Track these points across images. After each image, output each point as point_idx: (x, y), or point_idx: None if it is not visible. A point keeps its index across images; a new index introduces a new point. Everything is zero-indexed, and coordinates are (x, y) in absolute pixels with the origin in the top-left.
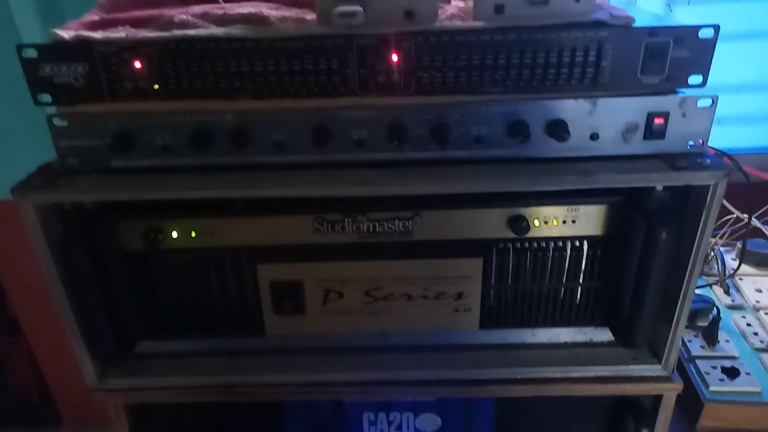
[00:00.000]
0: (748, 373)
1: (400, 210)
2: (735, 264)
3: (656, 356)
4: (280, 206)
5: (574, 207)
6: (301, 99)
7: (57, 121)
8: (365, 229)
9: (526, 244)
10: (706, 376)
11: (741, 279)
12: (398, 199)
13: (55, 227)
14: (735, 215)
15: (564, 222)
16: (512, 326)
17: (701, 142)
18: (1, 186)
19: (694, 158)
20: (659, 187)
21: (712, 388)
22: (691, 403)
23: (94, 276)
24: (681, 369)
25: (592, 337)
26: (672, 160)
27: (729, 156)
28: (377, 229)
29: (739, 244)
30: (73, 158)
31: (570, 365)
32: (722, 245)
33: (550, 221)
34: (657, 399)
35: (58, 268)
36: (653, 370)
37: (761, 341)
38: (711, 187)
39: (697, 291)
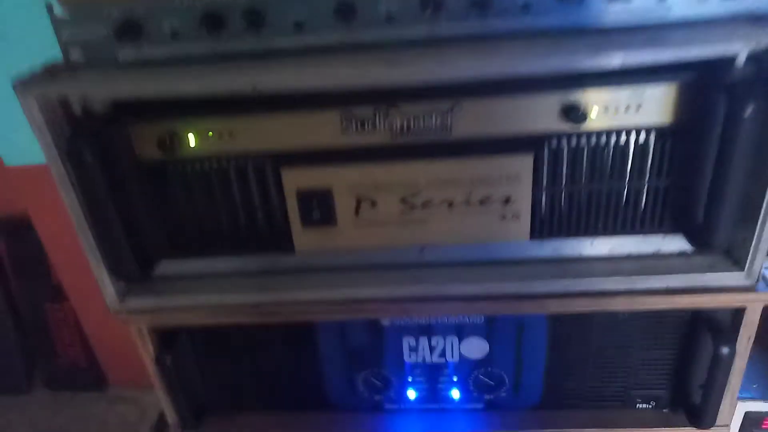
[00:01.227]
0: None
1: (437, 100)
2: None
3: (737, 263)
4: (303, 101)
5: (638, 88)
6: None
7: (57, 10)
8: (399, 127)
9: (583, 138)
10: None
11: None
12: (434, 89)
13: (63, 131)
14: None
15: (627, 109)
16: (567, 235)
17: None
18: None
19: None
20: (742, 56)
21: None
22: None
23: (109, 186)
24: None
25: (660, 247)
26: (758, 21)
27: None
28: (412, 126)
29: None
30: (77, 52)
31: (636, 275)
32: None
33: (611, 109)
34: (738, 313)
35: (69, 175)
36: (734, 278)
37: None
38: None
39: None
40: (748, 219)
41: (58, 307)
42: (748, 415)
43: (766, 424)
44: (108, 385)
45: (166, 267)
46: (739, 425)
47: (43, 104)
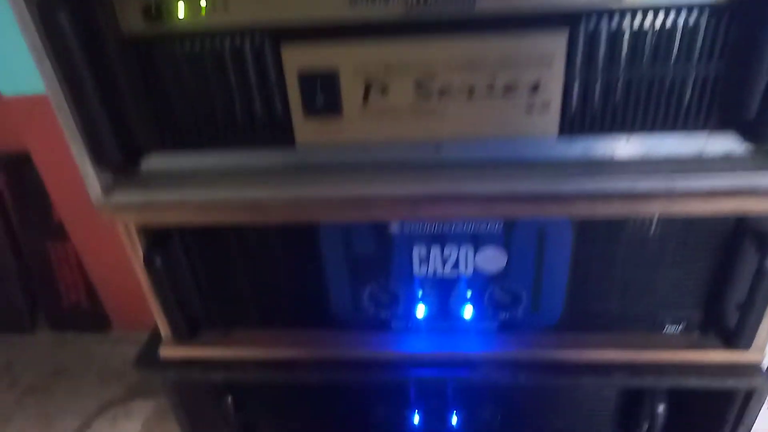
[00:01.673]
0: None
1: None
2: None
3: None
4: None
5: None
6: None
7: None
8: None
9: (627, 15)
10: None
11: None
12: None
13: None
14: None
15: None
16: (600, 131)
17: None
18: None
19: None
20: None
21: None
22: None
23: (89, 60)
24: None
25: (704, 147)
26: None
27: None
28: None
29: None
30: None
31: (676, 173)
32: None
33: None
34: None
35: (45, 47)
36: None
37: None
38: None
39: None
40: None
41: (60, 246)
42: None
43: None
44: (112, 328)
45: (155, 161)
46: None
47: None
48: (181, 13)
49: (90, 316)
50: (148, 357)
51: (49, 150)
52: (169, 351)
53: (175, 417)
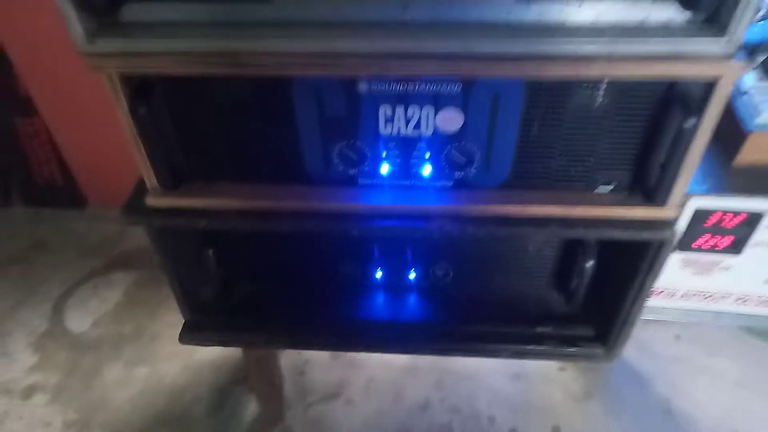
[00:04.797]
0: None
1: None
2: None
3: (721, 30)
4: None
5: None
6: None
7: None
8: None
9: None
10: (755, 108)
11: None
12: None
13: None
14: None
15: None
16: None
17: None
18: None
19: None
20: None
21: (759, 120)
22: (732, 137)
23: None
24: (727, 108)
25: (648, 14)
26: None
27: None
28: None
29: None
30: None
31: (618, 37)
32: None
33: None
34: (711, 87)
35: None
36: (715, 45)
37: None
38: None
39: None
40: None
41: (28, 122)
42: (697, 212)
43: (708, 222)
44: (88, 205)
45: (136, 10)
46: (688, 221)
47: None
48: None
49: (65, 193)
50: (134, 205)
51: (16, 24)
52: (155, 200)
53: (160, 265)
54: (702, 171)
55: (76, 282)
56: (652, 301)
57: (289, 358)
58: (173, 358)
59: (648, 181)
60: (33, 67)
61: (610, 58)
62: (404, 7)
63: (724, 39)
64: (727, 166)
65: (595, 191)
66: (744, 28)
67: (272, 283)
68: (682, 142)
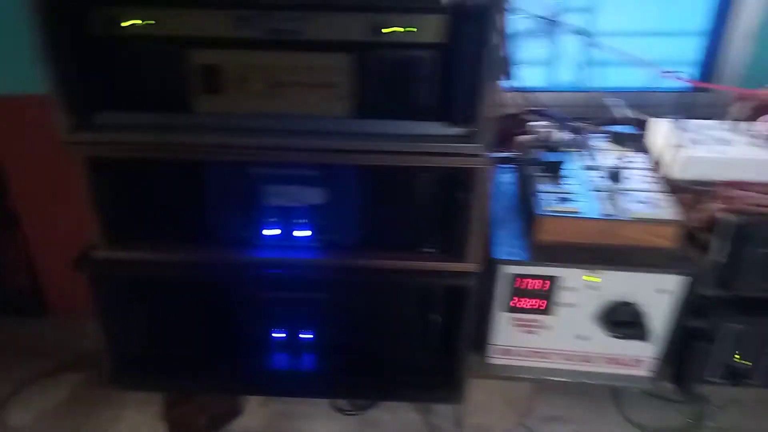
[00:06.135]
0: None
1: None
2: None
3: (473, 138)
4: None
5: None
6: None
7: None
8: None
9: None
10: (542, 200)
11: None
12: None
13: None
14: None
15: None
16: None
17: None
18: (4, 80)
19: None
20: None
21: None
22: (533, 221)
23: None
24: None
25: (431, 129)
26: None
27: None
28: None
29: None
30: None
31: (413, 141)
32: None
33: None
34: (473, 172)
35: None
36: (470, 149)
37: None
38: None
39: None
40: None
41: (9, 234)
42: (507, 276)
43: (517, 283)
44: (48, 312)
45: (105, 116)
46: (503, 284)
47: None
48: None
49: (29, 300)
50: (82, 260)
51: (13, 143)
52: (99, 253)
53: (93, 311)
54: (512, 245)
55: (24, 381)
56: (501, 361)
57: None
58: None
59: (452, 243)
60: (23, 181)
61: (408, 153)
62: (280, 118)
63: (475, 145)
64: (532, 242)
65: (422, 251)
66: (486, 139)
67: (183, 337)
68: (465, 212)
